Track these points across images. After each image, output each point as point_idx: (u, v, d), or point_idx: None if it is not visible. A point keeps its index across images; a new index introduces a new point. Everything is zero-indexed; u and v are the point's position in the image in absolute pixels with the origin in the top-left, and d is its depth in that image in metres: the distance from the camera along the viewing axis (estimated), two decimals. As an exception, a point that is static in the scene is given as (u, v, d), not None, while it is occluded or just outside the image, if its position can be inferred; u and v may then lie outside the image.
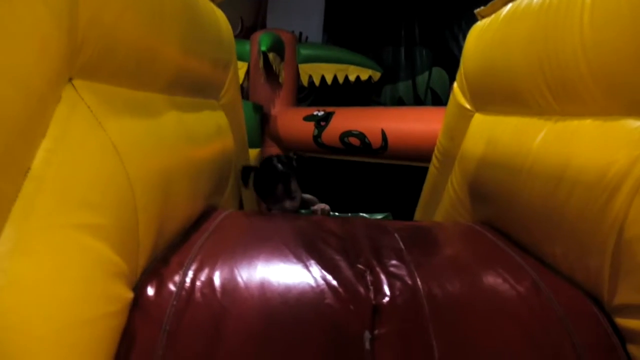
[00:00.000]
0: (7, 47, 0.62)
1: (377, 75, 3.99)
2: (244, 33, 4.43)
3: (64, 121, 0.73)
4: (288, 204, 1.73)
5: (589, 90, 1.00)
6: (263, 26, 4.66)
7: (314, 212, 1.77)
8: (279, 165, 1.75)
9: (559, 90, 1.10)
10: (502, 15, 1.48)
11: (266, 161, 1.78)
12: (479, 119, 1.64)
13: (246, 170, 1.75)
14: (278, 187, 1.72)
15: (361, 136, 3.22)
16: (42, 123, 0.69)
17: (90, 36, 0.79)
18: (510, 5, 1.45)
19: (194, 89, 1.45)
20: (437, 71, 4.04)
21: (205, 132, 1.45)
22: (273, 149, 3.82)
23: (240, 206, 2.03)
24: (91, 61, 0.81)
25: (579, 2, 1.01)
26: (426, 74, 4.06)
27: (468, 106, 1.72)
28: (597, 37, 0.96)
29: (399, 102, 4.13)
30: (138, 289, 0.89)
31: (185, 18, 1.25)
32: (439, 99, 3.99)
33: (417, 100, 4.08)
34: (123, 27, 0.89)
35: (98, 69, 0.84)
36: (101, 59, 0.84)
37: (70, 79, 0.76)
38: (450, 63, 3.87)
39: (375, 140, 3.18)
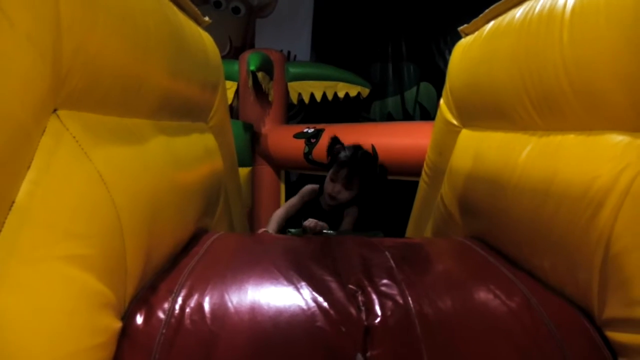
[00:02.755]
0: (-10, 82, 0.62)
1: (365, 92, 4.02)
2: (232, 53, 4.46)
3: (49, 152, 0.73)
4: (342, 196, 1.86)
5: (571, 105, 1.01)
6: (251, 46, 4.70)
7: (306, 227, 1.73)
8: (365, 159, 1.90)
9: (542, 106, 1.12)
10: (485, 32, 1.50)
11: (357, 148, 1.96)
12: (465, 134, 1.66)
13: (335, 141, 2.00)
14: (341, 172, 1.86)
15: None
16: (26, 155, 0.69)
17: (75, 66, 0.79)
18: (492, 22, 1.48)
19: (181, 112, 1.45)
20: (424, 86, 4.08)
21: (194, 155, 1.45)
22: (264, 167, 3.82)
23: (232, 227, 2.02)
24: (76, 91, 0.81)
25: (558, 20, 1.04)
26: (414, 89, 4.10)
27: (455, 122, 1.74)
28: (576, 54, 0.97)
29: (388, 117, 4.17)
30: (126, 318, 0.88)
31: (171, 43, 1.26)
32: (428, 113, 4.02)
33: (406, 115, 4.12)
34: (108, 56, 0.90)
35: (83, 98, 0.84)
36: (86, 88, 0.84)
37: (55, 110, 0.76)
38: (437, 78, 3.92)
39: (366, 156, 3.19)
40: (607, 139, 0.93)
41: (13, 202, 0.66)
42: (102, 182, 0.82)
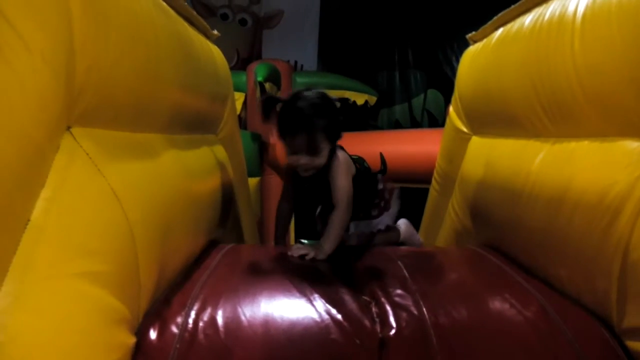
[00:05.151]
0: (5, 103, 0.63)
1: (373, 100, 4.03)
2: (240, 64, 4.49)
3: (63, 170, 0.73)
4: (304, 161, 1.34)
5: (584, 112, 1.00)
6: (259, 57, 4.73)
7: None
8: (306, 105, 1.33)
9: (555, 113, 1.11)
10: (493, 40, 1.50)
11: (295, 95, 1.38)
12: (476, 141, 1.65)
13: (270, 101, 1.39)
14: (297, 138, 1.33)
15: (360, 160, 3.23)
16: (41, 173, 0.70)
17: (88, 84, 0.80)
18: (501, 29, 1.48)
19: (192, 126, 1.46)
20: (432, 93, 4.09)
21: (204, 168, 1.45)
22: (273, 177, 3.83)
23: (242, 238, 2.02)
24: (89, 108, 0.82)
25: (569, 27, 1.03)
26: (421, 96, 4.11)
27: (465, 129, 1.74)
28: (588, 60, 0.97)
29: (396, 125, 4.17)
30: (140, 332, 0.88)
31: (181, 58, 1.27)
32: (435, 120, 4.02)
33: (414, 123, 4.12)
34: (120, 73, 0.91)
35: (96, 116, 0.85)
36: (99, 105, 0.85)
37: (68, 128, 0.77)
38: (445, 84, 3.92)
39: (374, 164, 3.19)
40: (622, 145, 0.92)
41: (29, 220, 0.67)
42: (116, 198, 0.83)
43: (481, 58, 1.57)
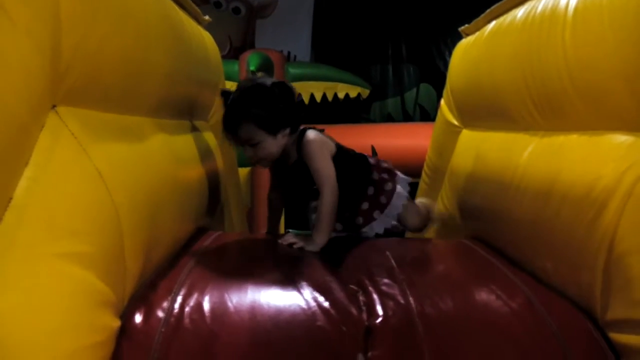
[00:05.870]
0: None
1: (365, 93, 4.02)
2: (232, 53, 4.45)
3: (47, 149, 0.72)
4: (249, 154, 1.33)
5: (574, 106, 1.01)
6: (252, 46, 4.68)
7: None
8: (235, 96, 1.31)
9: (544, 106, 1.12)
10: (486, 33, 1.50)
11: (237, 87, 1.36)
12: (466, 134, 1.65)
13: (224, 95, 1.37)
14: (228, 132, 1.32)
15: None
16: (24, 151, 0.68)
17: (75, 63, 0.78)
18: (494, 22, 1.48)
19: (181, 110, 1.44)
20: (424, 87, 4.09)
21: (194, 153, 1.44)
22: (264, 169, 3.81)
23: (231, 226, 2.01)
24: (75, 87, 0.80)
25: (561, 20, 1.03)
26: (414, 90, 4.11)
27: (455, 122, 1.74)
28: (579, 54, 0.97)
29: (388, 118, 4.17)
30: (125, 316, 0.87)
31: (171, 41, 1.25)
32: (427, 114, 4.03)
33: (406, 116, 4.12)
34: (108, 53, 0.89)
35: (83, 95, 0.84)
36: (86, 85, 0.83)
37: (53, 106, 0.76)
38: (437, 79, 3.92)
39: (366, 157, 3.19)
40: (610, 139, 0.92)
41: (11, 198, 0.65)
42: (101, 179, 0.81)
43: (473, 51, 1.57)
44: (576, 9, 0.99)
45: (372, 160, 1.48)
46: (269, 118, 1.31)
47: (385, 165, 1.48)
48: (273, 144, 1.34)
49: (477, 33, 1.60)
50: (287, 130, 1.35)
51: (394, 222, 1.47)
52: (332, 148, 1.40)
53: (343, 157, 1.41)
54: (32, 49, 0.67)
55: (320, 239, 1.28)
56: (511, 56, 1.25)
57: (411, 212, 1.52)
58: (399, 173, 1.50)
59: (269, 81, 1.34)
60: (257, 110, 1.30)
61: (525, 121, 1.21)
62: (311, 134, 1.37)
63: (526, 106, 1.18)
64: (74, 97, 0.81)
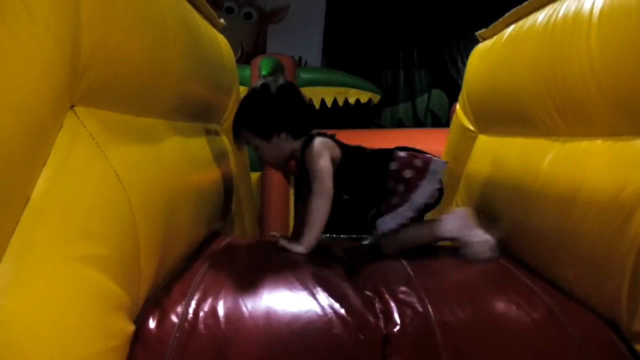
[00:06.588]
0: (8, 73, 0.61)
1: (376, 98, 4.00)
2: (244, 58, 4.46)
3: (65, 149, 0.71)
4: (259, 154, 1.35)
5: (599, 110, 0.98)
6: (263, 51, 4.69)
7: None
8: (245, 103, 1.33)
9: (567, 111, 1.09)
10: (504, 37, 1.48)
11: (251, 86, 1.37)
12: (483, 140, 1.63)
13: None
14: (240, 134, 1.34)
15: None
16: (42, 151, 0.67)
17: (93, 61, 0.77)
18: (512, 26, 1.45)
19: (196, 114, 1.44)
20: (436, 93, 4.07)
21: (208, 157, 1.43)
22: (274, 172, 3.80)
23: (243, 231, 2.00)
24: (93, 87, 0.79)
25: (586, 23, 1.01)
26: (425, 95, 4.09)
27: (472, 127, 1.72)
28: (605, 56, 0.95)
29: (399, 124, 4.15)
30: (139, 320, 0.86)
31: (188, 43, 1.25)
32: (439, 120, 4.01)
33: (417, 122, 4.10)
34: (126, 52, 0.88)
35: (100, 96, 0.83)
36: (104, 85, 0.82)
37: (72, 106, 0.75)
38: (449, 85, 3.90)
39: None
40: (636, 144, 0.90)
41: (28, 198, 0.64)
42: (119, 181, 0.80)
43: (491, 55, 1.54)
44: (602, 11, 0.97)
45: (401, 154, 1.38)
46: (259, 123, 1.32)
47: (416, 162, 1.36)
48: (268, 149, 1.34)
49: (495, 37, 1.58)
50: (283, 135, 1.33)
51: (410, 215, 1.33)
52: (336, 152, 1.36)
53: (356, 158, 1.38)
54: (53, 45, 0.66)
55: (306, 242, 1.24)
56: (532, 60, 1.23)
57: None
58: (433, 161, 1.37)
59: (274, 84, 1.33)
60: (249, 116, 1.33)
61: (546, 126, 1.19)
62: (316, 140, 1.33)
63: (547, 111, 1.16)
64: (92, 97, 0.80)
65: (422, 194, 1.32)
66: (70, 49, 0.70)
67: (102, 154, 0.78)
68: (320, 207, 1.26)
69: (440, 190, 1.37)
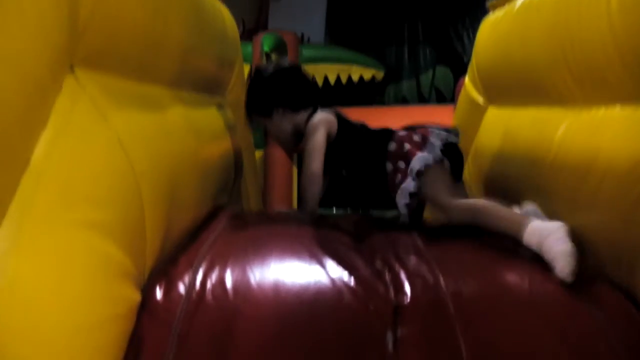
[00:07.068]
0: (5, 33, 0.58)
1: (380, 75, 3.94)
2: (245, 35, 4.39)
3: (66, 112, 0.68)
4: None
5: (619, 76, 0.95)
6: (265, 28, 4.62)
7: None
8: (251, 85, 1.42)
9: (584, 77, 1.06)
10: (517, 6, 1.43)
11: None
12: (493, 112, 1.60)
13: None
14: (252, 119, 1.45)
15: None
16: (42, 113, 0.64)
17: (93, 23, 0.74)
18: (525, -5, 1.41)
19: (199, 85, 1.40)
20: (441, 69, 4.01)
21: (212, 129, 1.40)
22: (277, 150, 3.77)
23: (248, 206, 1.98)
24: (93, 50, 0.76)
25: (605, -15, 0.97)
26: (430, 72, 4.03)
27: (480, 99, 1.68)
28: (627, 20, 0.91)
29: (402, 101, 4.10)
30: (146, 290, 0.84)
31: (191, 11, 1.21)
32: (443, 97, 3.95)
33: (421, 99, 4.06)
34: (127, 16, 0.85)
35: (101, 58, 0.80)
36: (104, 47, 0.79)
37: (71, 67, 0.72)
38: (455, 61, 3.83)
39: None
40: (658, 110, 0.86)
41: (29, 161, 0.62)
42: (121, 146, 0.77)
43: (503, 25, 1.50)
44: (623, -28, 0.93)
45: (401, 133, 1.34)
46: (257, 102, 1.41)
47: (415, 137, 1.31)
48: (273, 127, 1.42)
49: (507, 7, 1.53)
50: (281, 110, 1.38)
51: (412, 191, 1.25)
52: (333, 126, 1.35)
53: (355, 135, 1.38)
54: (49, 4, 0.63)
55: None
56: (547, 28, 1.19)
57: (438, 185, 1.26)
58: (434, 133, 1.29)
59: (270, 67, 1.44)
60: (249, 99, 1.43)
61: (560, 94, 1.15)
62: (317, 114, 1.35)
63: (563, 78, 1.12)
64: (92, 59, 0.77)
65: (419, 160, 1.24)
66: (68, 9, 0.67)
67: (104, 118, 0.75)
68: (307, 188, 1.30)
69: (449, 153, 1.27)
